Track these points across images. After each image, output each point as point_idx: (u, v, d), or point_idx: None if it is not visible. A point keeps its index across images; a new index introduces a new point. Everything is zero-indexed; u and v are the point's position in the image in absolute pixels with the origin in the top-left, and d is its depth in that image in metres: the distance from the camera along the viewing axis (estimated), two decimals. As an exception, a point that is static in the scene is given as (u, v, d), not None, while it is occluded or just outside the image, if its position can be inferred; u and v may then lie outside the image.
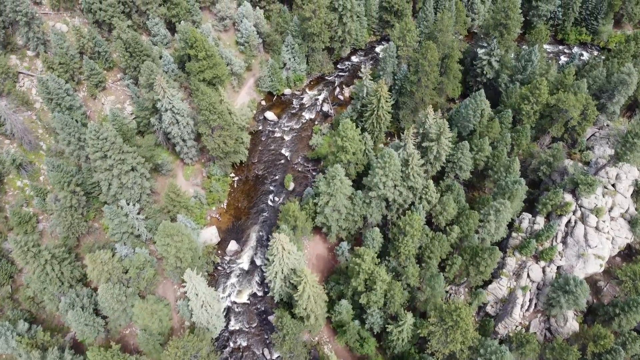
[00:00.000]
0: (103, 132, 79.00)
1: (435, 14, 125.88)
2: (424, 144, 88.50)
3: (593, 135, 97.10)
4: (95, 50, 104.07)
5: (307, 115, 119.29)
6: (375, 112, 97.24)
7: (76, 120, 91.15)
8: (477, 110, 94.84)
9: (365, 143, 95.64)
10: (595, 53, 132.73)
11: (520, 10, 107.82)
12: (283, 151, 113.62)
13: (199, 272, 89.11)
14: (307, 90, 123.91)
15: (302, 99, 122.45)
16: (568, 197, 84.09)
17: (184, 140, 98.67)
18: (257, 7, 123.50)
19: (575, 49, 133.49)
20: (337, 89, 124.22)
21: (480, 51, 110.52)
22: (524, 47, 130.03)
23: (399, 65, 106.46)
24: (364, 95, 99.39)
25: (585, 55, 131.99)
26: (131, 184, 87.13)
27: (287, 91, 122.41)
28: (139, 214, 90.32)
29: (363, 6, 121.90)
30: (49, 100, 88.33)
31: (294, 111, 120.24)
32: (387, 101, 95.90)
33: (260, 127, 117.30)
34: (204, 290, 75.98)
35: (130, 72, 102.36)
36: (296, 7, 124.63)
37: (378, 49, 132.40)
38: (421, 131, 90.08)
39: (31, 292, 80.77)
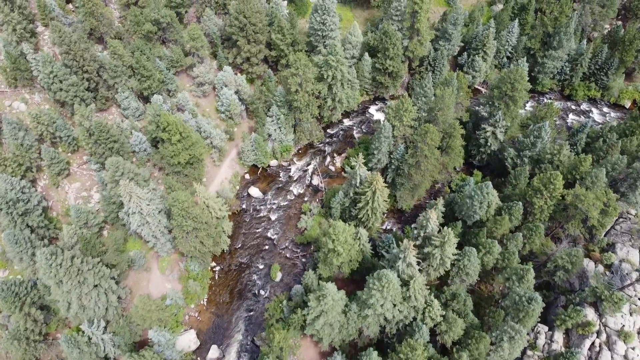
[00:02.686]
0: (57, 258, 68.32)
1: (435, 75, 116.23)
2: (425, 249, 78.46)
3: (613, 227, 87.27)
4: (57, 136, 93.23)
5: (296, 190, 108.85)
6: (370, 204, 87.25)
7: (30, 230, 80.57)
8: (483, 202, 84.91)
9: (359, 238, 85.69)
10: (606, 109, 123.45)
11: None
12: (269, 234, 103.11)
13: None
14: (295, 160, 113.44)
15: (289, 170, 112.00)
16: (590, 313, 74.29)
17: (156, 237, 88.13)
18: (239, 73, 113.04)
19: (584, 105, 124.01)
20: (328, 158, 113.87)
21: (483, 112, 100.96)
22: (530, 105, 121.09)
23: (395, 144, 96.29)
24: (357, 184, 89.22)
25: (595, 113, 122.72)
26: (94, 303, 76.58)
27: (273, 162, 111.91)
28: (104, 332, 79.63)
29: (354, 68, 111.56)
30: (-3, 210, 77.62)
31: (280, 185, 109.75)
32: (382, 190, 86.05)
33: (244, 206, 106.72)
34: None
35: (97, 158, 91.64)
36: (282, 68, 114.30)
37: (372, 109, 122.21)
38: (422, 234, 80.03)
39: None
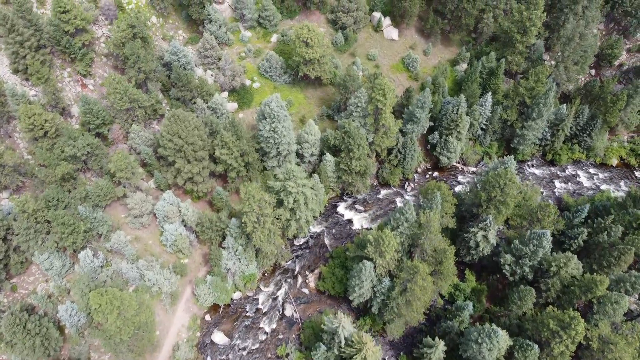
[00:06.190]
0: None
1: (406, 161, 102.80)
2: None
3: (642, 356, 75.66)
4: (-41, 335, 74.32)
5: (267, 326, 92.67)
6: (360, 365, 72.74)
7: None
8: (493, 350, 71.52)
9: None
10: (592, 170, 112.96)
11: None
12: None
13: None
14: (261, 287, 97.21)
15: (256, 301, 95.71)
16: None
17: None
18: (182, 194, 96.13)
19: (570, 169, 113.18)
20: (299, 278, 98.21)
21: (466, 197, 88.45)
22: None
23: (379, 279, 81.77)
24: (340, 340, 74.32)
25: (582, 176, 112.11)
26: None
27: (237, 295, 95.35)
28: None
29: (317, 174, 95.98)
30: None
31: (248, 322, 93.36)
32: (374, 352, 71.65)
33: (208, 358, 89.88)
34: None
35: (17, 354, 73.21)
36: (232, 180, 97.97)
37: (341, 208, 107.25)
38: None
39: None
